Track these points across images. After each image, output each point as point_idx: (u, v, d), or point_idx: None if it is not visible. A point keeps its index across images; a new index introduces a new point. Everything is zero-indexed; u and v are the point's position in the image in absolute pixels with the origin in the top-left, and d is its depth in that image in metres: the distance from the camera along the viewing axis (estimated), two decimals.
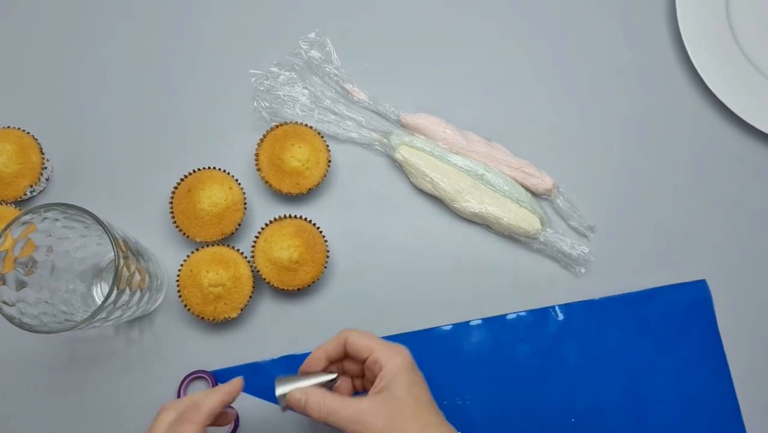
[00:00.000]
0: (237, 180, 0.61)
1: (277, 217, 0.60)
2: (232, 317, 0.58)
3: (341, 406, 0.45)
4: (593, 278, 0.62)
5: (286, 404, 0.48)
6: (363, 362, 0.49)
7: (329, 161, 0.62)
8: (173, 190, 0.60)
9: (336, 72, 0.65)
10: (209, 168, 0.61)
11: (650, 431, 0.59)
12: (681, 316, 0.61)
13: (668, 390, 0.60)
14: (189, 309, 0.58)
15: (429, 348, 0.60)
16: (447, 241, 0.63)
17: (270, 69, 0.65)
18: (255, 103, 0.64)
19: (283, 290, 0.59)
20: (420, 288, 0.62)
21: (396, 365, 0.46)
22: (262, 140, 0.62)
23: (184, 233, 0.59)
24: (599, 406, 0.59)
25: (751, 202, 0.65)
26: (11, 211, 0.58)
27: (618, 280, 0.62)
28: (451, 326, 0.61)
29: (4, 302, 0.47)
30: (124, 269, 0.48)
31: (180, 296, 0.58)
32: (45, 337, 0.60)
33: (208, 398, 0.47)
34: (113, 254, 0.47)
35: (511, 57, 0.68)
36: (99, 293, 0.59)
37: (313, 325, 0.61)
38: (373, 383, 0.47)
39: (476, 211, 0.61)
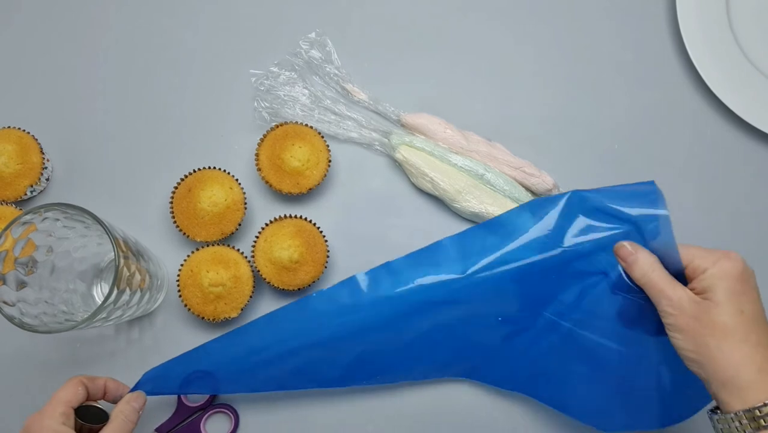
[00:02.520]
0: (237, 180, 0.61)
1: (277, 217, 0.60)
2: (232, 316, 0.58)
3: (665, 285, 0.46)
4: None
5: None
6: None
7: (329, 161, 0.62)
8: (173, 190, 0.60)
9: (336, 72, 0.65)
10: (209, 168, 0.61)
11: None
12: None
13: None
14: (189, 309, 0.58)
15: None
16: None
17: (270, 69, 0.65)
18: (255, 103, 0.64)
19: (283, 289, 0.59)
20: None
21: (721, 271, 0.44)
22: (262, 140, 0.62)
23: (185, 233, 0.59)
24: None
25: (752, 201, 0.65)
26: (12, 212, 0.58)
27: None
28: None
29: (5, 302, 0.47)
30: (125, 269, 0.48)
31: (180, 296, 0.58)
32: (45, 337, 0.60)
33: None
34: (113, 253, 0.47)
35: (511, 57, 0.68)
36: (99, 293, 0.59)
37: None
38: None
39: (476, 211, 0.61)
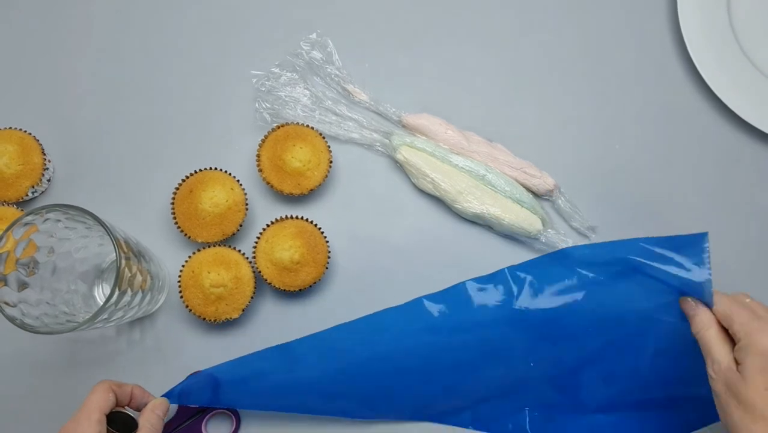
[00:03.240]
0: (238, 181, 0.61)
1: (278, 217, 0.60)
2: (233, 317, 0.58)
3: (713, 345, 0.46)
4: None
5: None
6: None
7: (330, 162, 0.62)
8: (174, 190, 0.60)
9: (337, 72, 0.65)
10: (211, 169, 0.61)
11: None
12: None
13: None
14: (190, 310, 0.58)
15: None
16: (448, 241, 0.63)
17: (271, 70, 0.65)
18: (256, 104, 0.64)
19: (284, 290, 0.59)
20: (421, 289, 0.61)
21: (751, 344, 0.44)
22: (263, 141, 0.62)
23: (186, 234, 0.59)
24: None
25: (753, 202, 0.65)
26: (13, 212, 0.58)
27: None
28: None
29: (6, 303, 0.47)
30: (126, 269, 0.48)
31: (181, 297, 0.58)
32: (46, 338, 0.60)
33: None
34: (115, 254, 0.47)
35: (512, 58, 0.68)
36: (100, 293, 0.59)
37: (314, 325, 0.60)
38: None
39: (477, 211, 0.61)
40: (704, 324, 0.48)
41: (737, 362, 0.45)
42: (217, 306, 0.57)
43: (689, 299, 0.50)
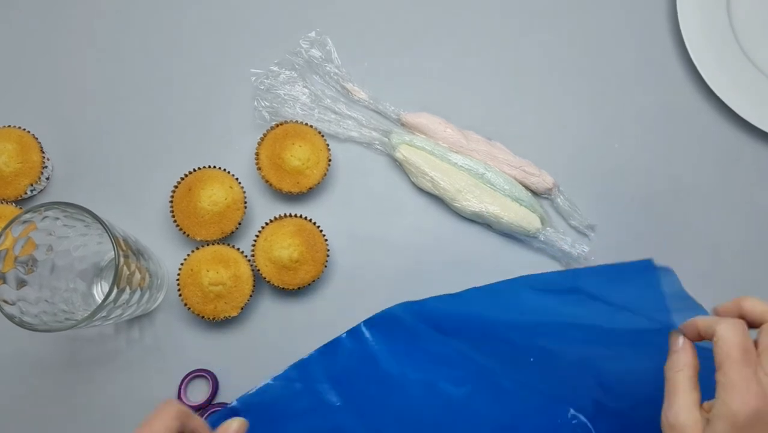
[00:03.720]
0: (237, 179, 0.61)
1: (277, 216, 0.60)
2: (232, 315, 0.58)
3: (676, 393, 0.41)
4: None
5: None
6: None
7: (329, 160, 0.62)
8: (173, 189, 0.60)
9: (336, 71, 0.65)
10: (209, 167, 0.61)
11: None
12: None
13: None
14: (189, 308, 0.58)
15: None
16: (447, 240, 0.63)
17: (270, 68, 0.65)
18: (255, 102, 0.64)
19: (283, 289, 0.59)
20: (420, 287, 0.61)
21: (724, 410, 0.39)
22: (262, 139, 0.62)
23: (185, 232, 0.59)
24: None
25: (753, 202, 0.65)
26: (12, 210, 0.58)
27: None
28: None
29: (5, 301, 0.47)
30: (125, 267, 0.48)
31: (180, 295, 0.58)
32: (45, 336, 0.60)
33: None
34: (113, 252, 0.47)
35: (511, 57, 0.68)
36: (99, 291, 0.59)
37: (313, 324, 0.61)
38: None
39: (476, 210, 0.61)
40: (676, 366, 0.43)
41: (707, 416, 0.40)
42: (215, 304, 0.57)
43: (679, 336, 0.44)
